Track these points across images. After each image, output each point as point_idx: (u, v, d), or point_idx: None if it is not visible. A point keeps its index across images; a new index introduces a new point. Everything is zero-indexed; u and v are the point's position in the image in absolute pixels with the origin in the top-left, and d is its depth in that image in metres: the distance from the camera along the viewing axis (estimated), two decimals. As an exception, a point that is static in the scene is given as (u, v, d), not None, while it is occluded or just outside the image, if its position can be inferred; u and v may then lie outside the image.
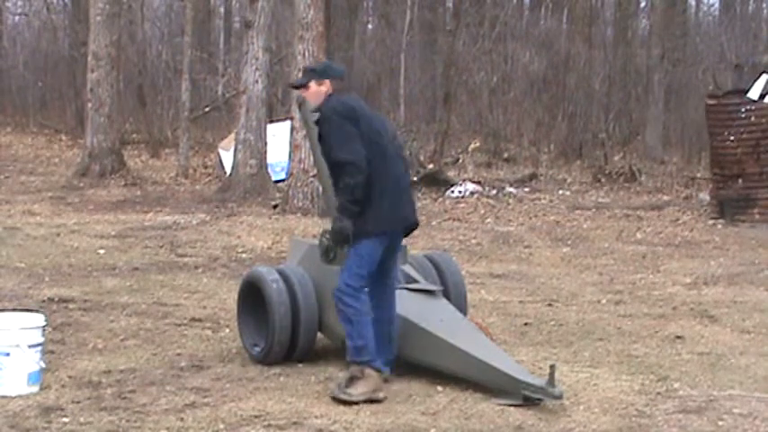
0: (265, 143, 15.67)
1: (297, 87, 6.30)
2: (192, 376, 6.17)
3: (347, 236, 5.81)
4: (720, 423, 5.49)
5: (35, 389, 5.74)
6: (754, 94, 14.13)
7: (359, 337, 5.80)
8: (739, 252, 11.89)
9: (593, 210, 15.38)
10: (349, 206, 5.77)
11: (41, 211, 13.63)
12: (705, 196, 15.80)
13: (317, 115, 6.02)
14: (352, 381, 5.71)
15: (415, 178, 17.15)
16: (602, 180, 18.80)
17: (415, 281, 6.56)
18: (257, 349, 6.47)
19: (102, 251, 10.80)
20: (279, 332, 6.33)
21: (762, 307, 8.69)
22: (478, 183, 17.32)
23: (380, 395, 5.71)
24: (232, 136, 17.05)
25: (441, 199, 16.14)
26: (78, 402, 5.59)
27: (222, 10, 31.42)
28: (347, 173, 5.77)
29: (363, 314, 5.83)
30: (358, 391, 5.66)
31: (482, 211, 14.92)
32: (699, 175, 18.96)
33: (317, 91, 6.02)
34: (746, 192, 14.05)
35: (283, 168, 15.91)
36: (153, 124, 22.51)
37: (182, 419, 5.34)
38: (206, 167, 18.93)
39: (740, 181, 14.11)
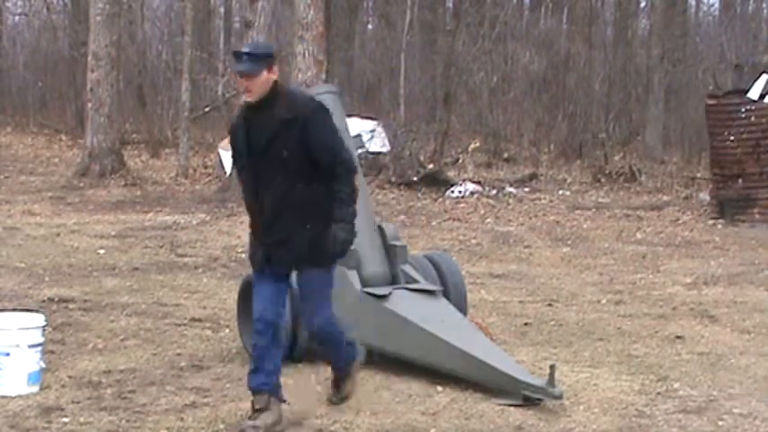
0: (265, 143, 15.64)
1: (248, 76, 5.08)
2: (192, 376, 6.17)
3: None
4: (720, 423, 5.49)
5: (35, 389, 5.74)
6: (754, 94, 14.13)
7: (342, 359, 5.55)
8: (739, 252, 11.89)
9: (593, 210, 15.38)
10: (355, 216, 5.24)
11: (41, 211, 13.63)
12: (705, 196, 15.80)
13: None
14: (339, 384, 5.61)
15: (415, 178, 17.20)
16: (602, 180, 18.79)
17: (415, 281, 6.55)
18: (257, 349, 6.46)
19: (102, 251, 10.79)
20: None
21: (762, 307, 8.69)
22: (478, 183, 17.31)
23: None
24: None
25: (441, 199, 16.14)
26: (78, 402, 5.59)
27: (222, 10, 31.42)
28: (353, 179, 5.23)
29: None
30: (348, 390, 5.60)
31: (482, 211, 14.91)
32: (699, 175, 18.95)
33: (267, 79, 5.10)
34: (746, 192, 14.05)
35: (283, 168, 15.85)
36: (153, 124, 22.51)
37: (182, 419, 5.34)
38: (206, 167, 18.92)
39: (740, 181, 14.11)
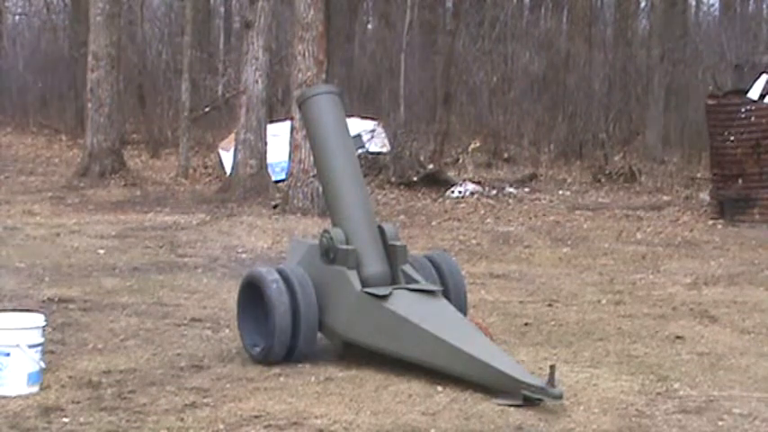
0: (265, 143, 15.67)
1: None
2: (191, 376, 6.17)
3: None
4: (720, 423, 5.49)
5: (35, 389, 5.73)
6: (754, 94, 14.13)
7: None
8: (739, 252, 11.89)
9: (593, 210, 15.38)
10: None
11: (41, 211, 13.63)
12: (705, 196, 15.80)
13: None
14: None
15: (415, 178, 17.20)
16: (602, 180, 18.80)
17: (416, 281, 6.55)
18: (257, 349, 6.47)
19: (102, 251, 10.79)
20: (279, 332, 6.33)
21: (762, 307, 8.69)
22: (478, 183, 17.32)
23: None
24: (232, 136, 17.06)
25: (441, 199, 16.14)
26: (78, 402, 5.59)
27: (222, 10, 31.43)
28: None
29: None
30: None
31: (482, 211, 14.91)
32: (699, 175, 18.95)
33: None
34: (746, 192, 14.05)
35: (283, 168, 15.93)
36: (153, 124, 22.51)
37: (182, 419, 5.34)
38: (206, 167, 18.93)
39: (740, 181, 14.11)
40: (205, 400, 5.67)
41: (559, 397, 5.58)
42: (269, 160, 15.89)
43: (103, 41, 17.21)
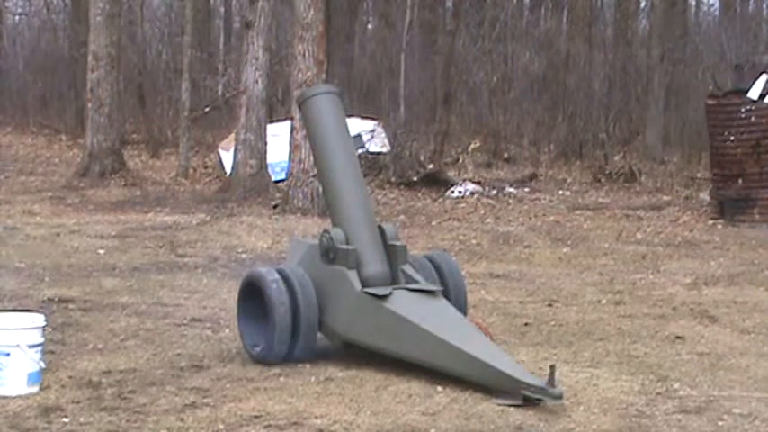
0: (265, 143, 15.67)
1: None
2: (191, 376, 6.17)
3: None
4: (720, 423, 5.49)
5: (35, 389, 5.73)
6: (754, 94, 14.13)
7: None
8: (739, 252, 11.89)
9: (593, 210, 15.38)
10: None
11: (41, 211, 13.63)
12: (705, 196, 15.80)
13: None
14: None
15: (415, 178, 17.20)
16: (602, 180, 18.80)
17: (416, 281, 6.55)
18: (257, 349, 6.47)
19: (102, 251, 10.79)
20: (279, 332, 6.33)
21: (762, 307, 8.69)
22: (478, 183, 17.32)
23: None
24: (232, 136, 17.06)
25: (441, 199, 16.14)
26: (78, 402, 5.59)
27: (222, 10, 31.44)
28: None
29: None
30: None
31: (482, 211, 14.92)
32: (699, 175, 18.96)
33: None
34: (746, 192, 14.05)
35: (283, 168, 15.93)
36: (153, 124, 22.51)
37: (182, 419, 5.34)
38: (206, 167, 18.93)
39: (740, 181, 14.11)
40: (205, 400, 5.67)
41: (559, 397, 5.58)
42: (269, 160, 15.89)
43: (103, 41, 17.21)
